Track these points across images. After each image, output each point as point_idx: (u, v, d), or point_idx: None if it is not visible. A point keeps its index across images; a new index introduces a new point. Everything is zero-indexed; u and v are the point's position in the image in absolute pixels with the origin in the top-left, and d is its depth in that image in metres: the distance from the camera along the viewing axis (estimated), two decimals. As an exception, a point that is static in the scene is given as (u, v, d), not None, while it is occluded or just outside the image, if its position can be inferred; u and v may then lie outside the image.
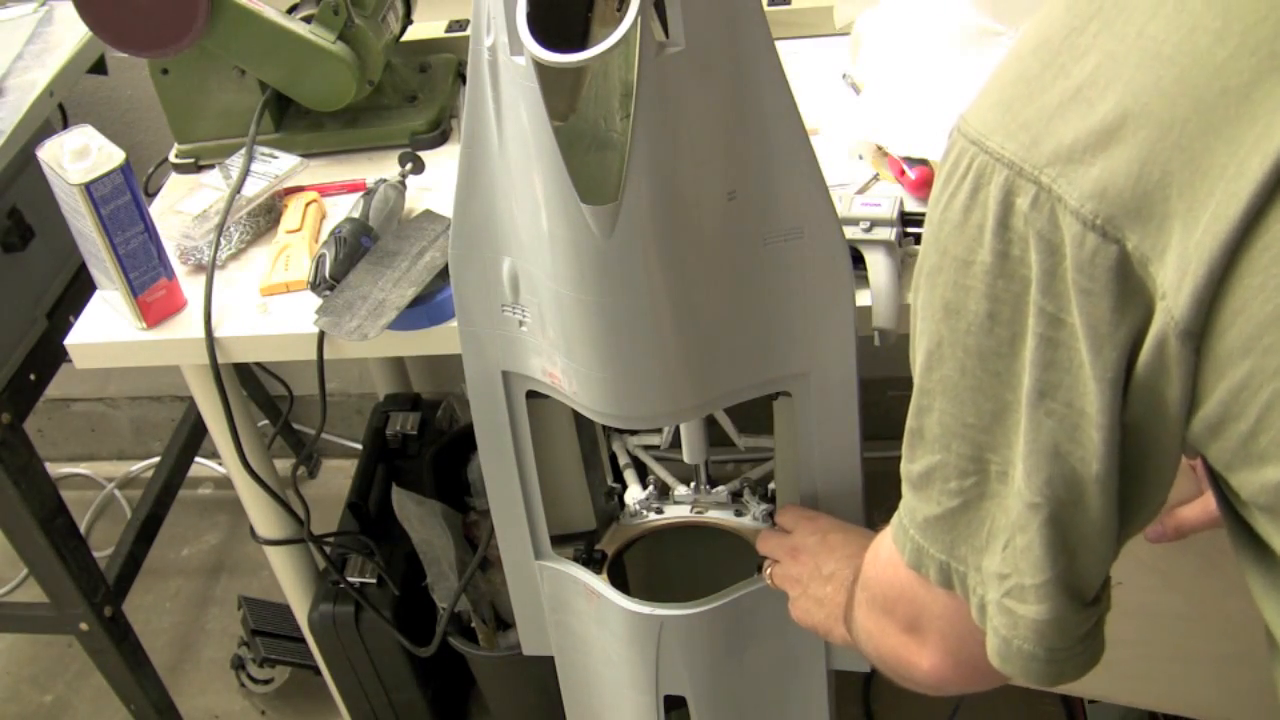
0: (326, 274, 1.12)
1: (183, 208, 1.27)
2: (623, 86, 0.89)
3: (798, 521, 1.07)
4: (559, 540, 1.17)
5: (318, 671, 1.64)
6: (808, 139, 0.86)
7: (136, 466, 2.31)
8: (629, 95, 0.82)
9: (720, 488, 1.24)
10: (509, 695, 1.63)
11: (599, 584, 1.14)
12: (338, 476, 2.21)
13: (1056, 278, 0.54)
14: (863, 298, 1.00)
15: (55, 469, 2.26)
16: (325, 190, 1.30)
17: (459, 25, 1.48)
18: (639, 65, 0.76)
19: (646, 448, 1.34)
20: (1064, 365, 0.56)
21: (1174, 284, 0.50)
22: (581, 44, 0.86)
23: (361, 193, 1.22)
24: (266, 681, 1.89)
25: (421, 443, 1.75)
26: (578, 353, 0.93)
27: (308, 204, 1.26)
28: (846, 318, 0.95)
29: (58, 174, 1.08)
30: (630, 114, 0.78)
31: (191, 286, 1.19)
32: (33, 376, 1.47)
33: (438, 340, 1.11)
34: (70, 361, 1.21)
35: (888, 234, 1.01)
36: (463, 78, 1.39)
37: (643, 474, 1.32)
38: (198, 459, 1.93)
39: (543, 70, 0.77)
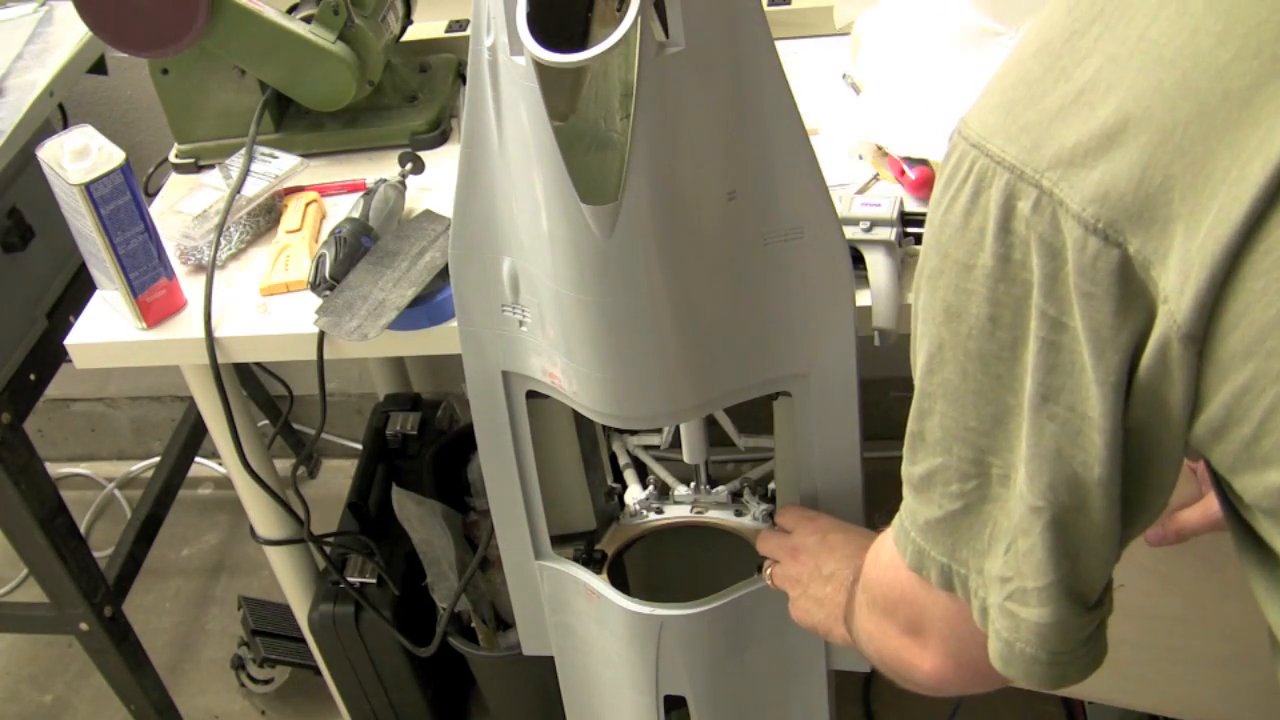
0: (326, 274, 1.12)
1: (183, 208, 1.27)
2: (623, 86, 0.89)
3: (798, 522, 1.07)
4: (559, 540, 1.17)
5: (318, 671, 1.64)
6: (808, 139, 0.86)
7: (136, 466, 2.31)
8: (629, 95, 0.82)
9: (720, 488, 1.24)
10: (509, 695, 1.63)
11: (599, 584, 1.14)
12: (338, 476, 2.21)
13: (1058, 281, 0.54)
14: (863, 298, 1.00)
15: (55, 469, 2.26)
16: (325, 190, 1.29)
17: (459, 25, 1.48)
18: (639, 65, 0.76)
19: (646, 448, 1.34)
20: (1066, 369, 0.55)
21: (1176, 288, 0.50)
22: (581, 44, 0.86)
23: (361, 193, 1.22)
24: (266, 681, 1.89)
25: (421, 443, 1.75)
26: (578, 353, 0.93)
27: (308, 204, 1.26)
28: (846, 318, 0.95)
29: (58, 174, 1.08)
30: (630, 114, 0.78)
31: (191, 286, 1.19)
32: (33, 376, 1.47)
33: (438, 340, 1.11)
34: (70, 361, 1.21)
35: (888, 234, 1.01)
36: (463, 78, 1.39)
37: (643, 474, 1.32)
38: (198, 459, 1.93)
39: (543, 70, 0.77)
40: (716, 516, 1.23)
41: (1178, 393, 0.53)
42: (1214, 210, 0.48)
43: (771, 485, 1.21)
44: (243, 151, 1.27)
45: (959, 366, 0.60)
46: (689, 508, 1.25)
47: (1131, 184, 0.50)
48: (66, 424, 2.31)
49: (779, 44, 0.82)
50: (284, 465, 1.63)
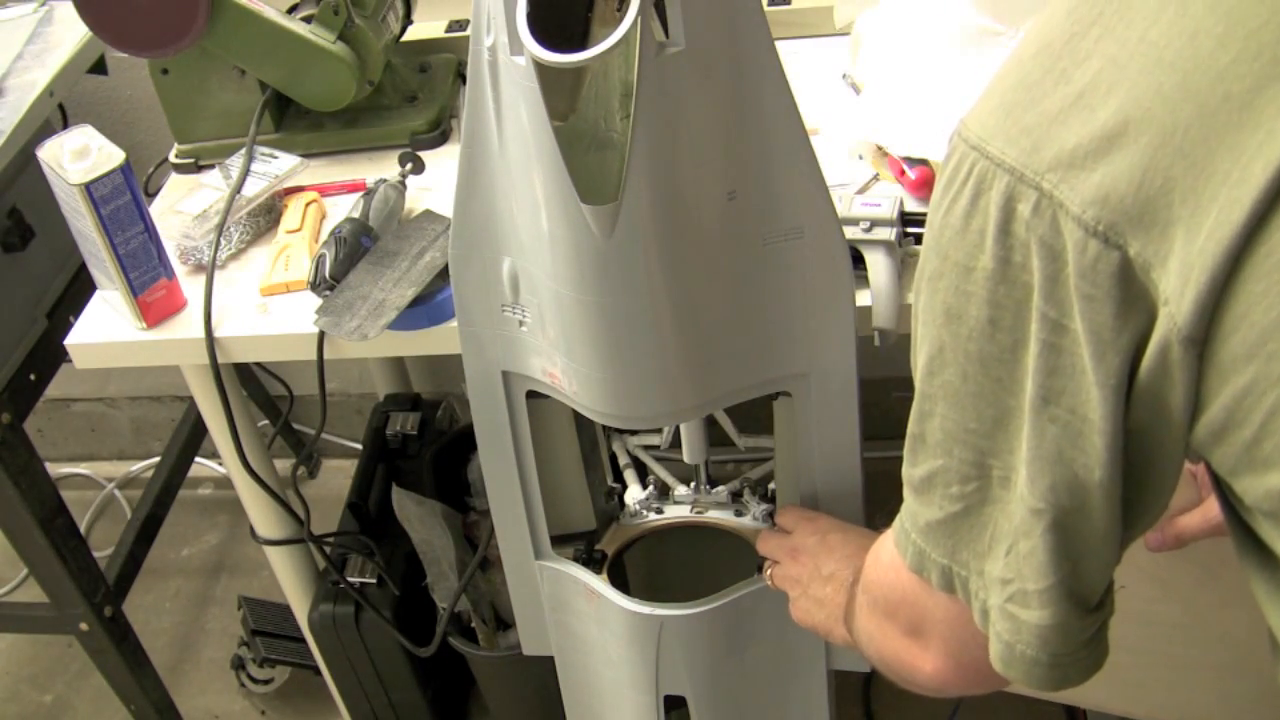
0: (326, 274, 1.12)
1: (183, 208, 1.27)
2: (623, 86, 0.89)
3: (797, 522, 1.07)
4: (559, 540, 1.17)
5: (318, 671, 1.64)
6: (808, 139, 0.86)
7: (136, 466, 2.31)
8: (629, 95, 0.82)
9: (720, 488, 1.24)
10: (509, 695, 1.63)
11: (599, 584, 1.14)
12: (338, 476, 2.21)
13: (1059, 284, 0.54)
14: (863, 298, 1.00)
15: (55, 469, 2.26)
16: (325, 190, 1.29)
17: (459, 25, 1.48)
18: (639, 65, 0.76)
19: (646, 448, 1.34)
20: (1067, 371, 0.55)
21: (1177, 290, 0.50)
22: (581, 44, 0.86)
23: (361, 193, 1.22)
24: (266, 681, 1.89)
25: (421, 443, 1.75)
26: (578, 353, 0.93)
27: (308, 204, 1.26)
28: (846, 318, 0.95)
29: (58, 174, 1.08)
30: (630, 114, 0.78)
31: (191, 286, 1.19)
32: (33, 376, 1.47)
33: (438, 340, 1.11)
34: (70, 361, 1.21)
35: (888, 234, 1.01)
36: (463, 78, 1.39)
37: (643, 474, 1.32)
38: (198, 459, 1.93)
39: (543, 70, 0.77)
40: (716, 516, 1.23)
41: (1178, 395, 0.53)
42: (1214, 213, 0.48)
43: (771, 485, 1.21)
44: (243, 151, 1.27)
45: (959, 369, 0.60)
46: (689, 508, 1.25)
47: (1132, 186, 0.50)
48: (66, 424, 2.31)
49: (779, 44, 0.82)
50: (284, 465, 1.63)
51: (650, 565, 1.30)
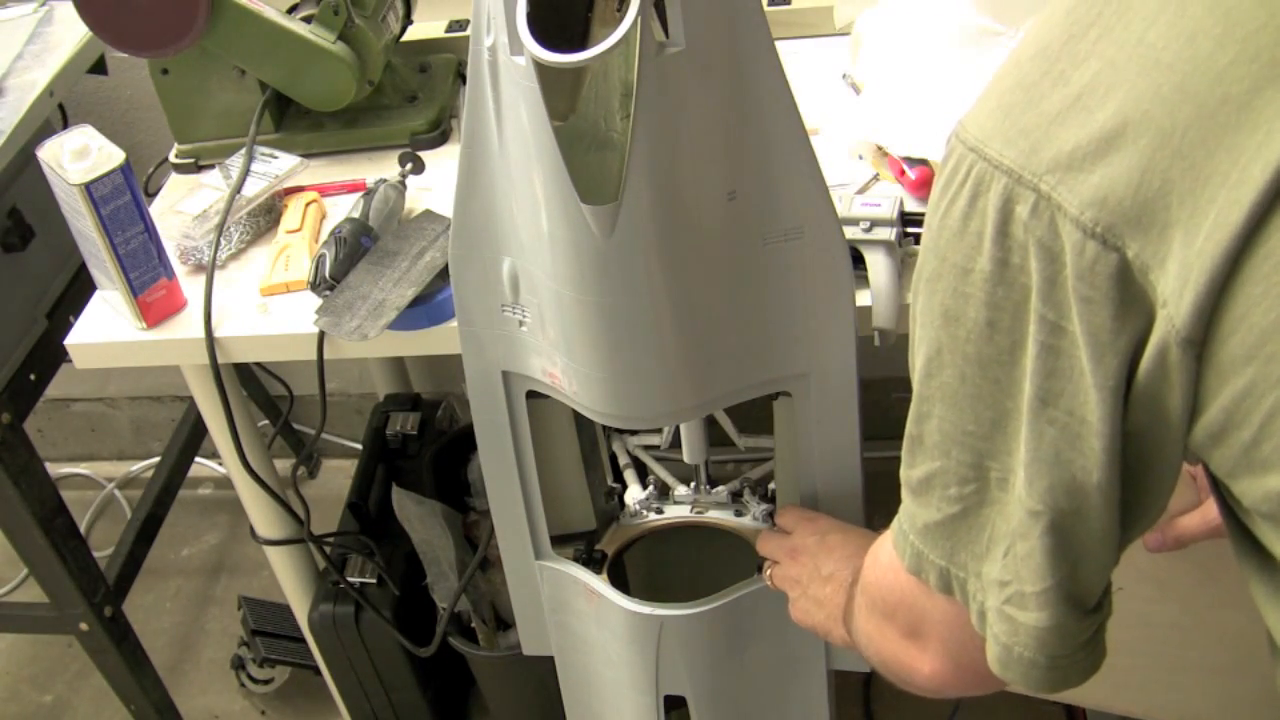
0: (326, 274, 1.12)
1: (183, 208, 1.27)
2: (623, 86, 0.89)
3: (797, 522, 1.07)
4: (559, 540, 1.17)
5: (318, 671, 1.64)
6: (808, 139, 0.86)
7: (136, 466, 2.31)
8: (629, 95, 0.82)
9: (720, 488, 1.24)
10: (509, 695, 1.63)
11: (599, 584, 1.14)
12: (338, 476, 2.21)
13: (1057, 286, 0.53)
14: (863, 298, 1.00)
15: (55, 469, 2.26)
16: (325, 190, 1.29)
17: (459, 25, 1.48)
18: (639, 65, 0.76)
19: (646, 448, 1.34)
20: (1065, 373, 0.55)
21: (1175, 292, 0.50)
22: (581, 44, 0.86)
23: (361, 193, 1.22)
24: (266, 681, 1.89)
25: (421, 443, 1.75)
26: (578, 353, 0.93)
27: (308, 204, 1.26)
28: (846, 318, 0.95)
29: (58, 174, 1.08)
30: (630, 114, 0.78)
31: (191, 286, 1.19)
32: (33, 376, 1.47)
33: (438, 340, 1.11)
34: (70, 361, 1.21)
35: (888, 234, 1.01)
36: (463, 78, 1.39)
37: (643, 474, 1.32)
38: (198, 459, 1.93)
39: (543, 70, 0.77)
40: (716, 516, 1.23)
41: (1177, 397, 0.53)
42: (1213, 214, 0.48)
43: (771, 485, 1.21)
44: (243, 151, 1.27)
45: (957, 370, 0.60)
46: (689, 508, 1.25)
47: (1130, 188, 0.50)
48: (66, 424, 2.31)
49: (779, 44, 0.82)
50: (284, 465, 1.63)
51: (650, 565, 1.30)
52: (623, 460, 1.33)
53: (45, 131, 1.35)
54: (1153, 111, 0.50)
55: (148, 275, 1.14)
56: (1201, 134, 0.48)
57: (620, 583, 1.18)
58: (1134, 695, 1.08)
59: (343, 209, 1.23)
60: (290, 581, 1.48)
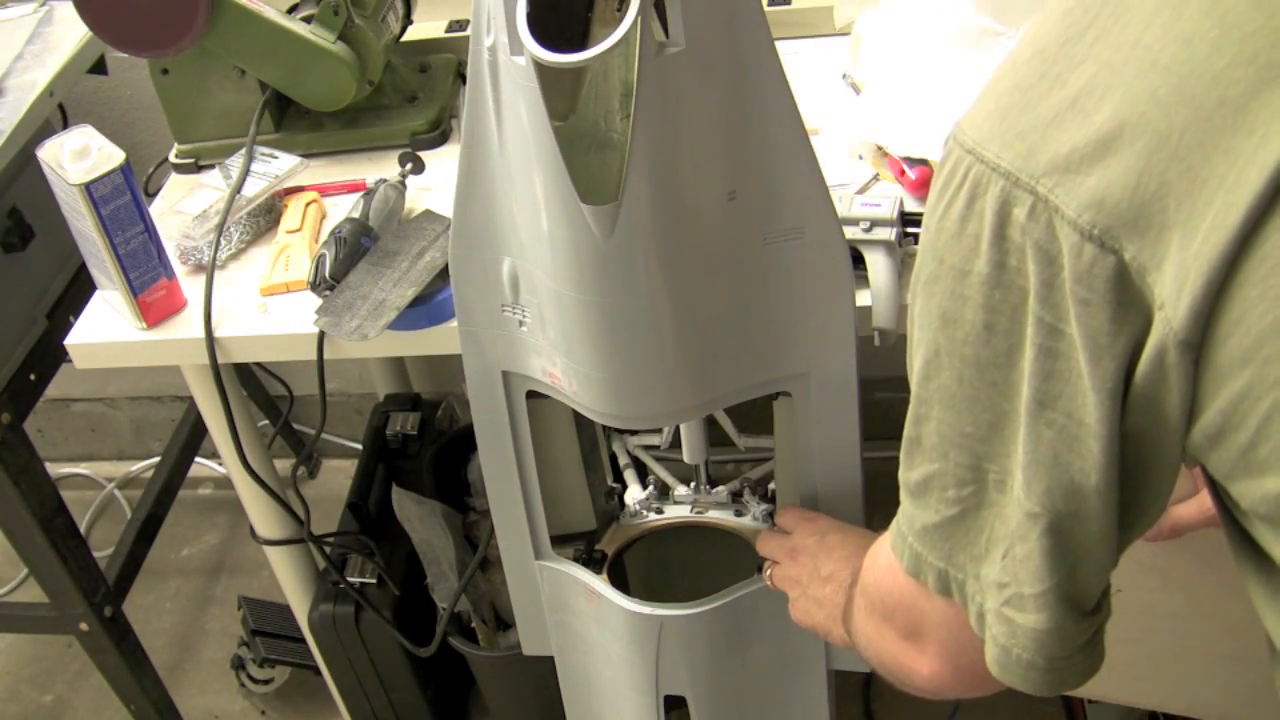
0: (326, 274, 1.12)
1: (183, 208, 1.27)
2: (623, 86, 0.89)
3: (797, 522, 1.07)
4: (559, 540, 1.17)
5: (318, 671, 1.64)
6: (808, 139, 0.86)
7: (136, 466, 2.31)
8: (629, 95, 0.82)
9: (720, 488, 1.24)
10: (509, 695, 1.63)
11: (599, 584, 1.14)
12: (338, 476, 2.21)
13: (1054, 288, 0.53)
14: (863, 298, 1.00)
15: (55, 469, 2.26)
16: (325, 190, 1.29)
17: (459, 25, 1.48)
18: (639, 65, 0.76)
19: (646, 448, 1.34)
20: (1063, 376, 0.55)
21: (1172, 294, 0.50)
22: (581, 44, 0.86)
23: (361, 193, 1.22)
24: (266, 681, 1.89)
25: (421, 443, 1.75)
26: (578, 353, 0.93)
27: (308, 204, 1.26)
28: (846, 318, 0.95)
29: (58, 174, 1.08)
30: (630, 114, 0.78)
31: (191, 286, 1.19)
32: (33, 376, 1.47)
33: (438, 340, 1.11)
34: (70, 361, 1.21)
35: (888, 234, 1.01)
36: (463, 78, 1.39)
37: (643, 474, 1.32)
38: (198, 459, 1.93)
39: (543, 70, 0.77)
40: (716, 516, 1.23)
41: (1174, 399, 0.53)
42: (1210, 217, 0.48)
43: (771, 485, 1.21)
44: (243, 151, 1.27)
45: (955, 372, 0.60)
46: (689, 508, 1.25)
47: (1127, 190, 0.50)
48: (66, 424, 2.31)
49: (779, 44, 0.82)
50: (284, 465, 1.63)
51: (650, 565, 1.30)
52: (623, 460, 1.33)
53: (45, 131, 1.35)
54: (1149, 114, 0.50)
55: (148, 275, 1.14)
56: (1198, 136, 0.48)
57: (620, 583, 1.18)
58: (1138, 686, 1.08)
59: (343, 209, 1.23)
60: (290, 581, 1.48)
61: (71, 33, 1.52)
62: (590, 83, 0.89)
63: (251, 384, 1.95)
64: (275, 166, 1.26)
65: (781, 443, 1.12)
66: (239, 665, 1.87)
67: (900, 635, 0.75)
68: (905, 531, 0.69)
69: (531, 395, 1.05)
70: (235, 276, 1.21)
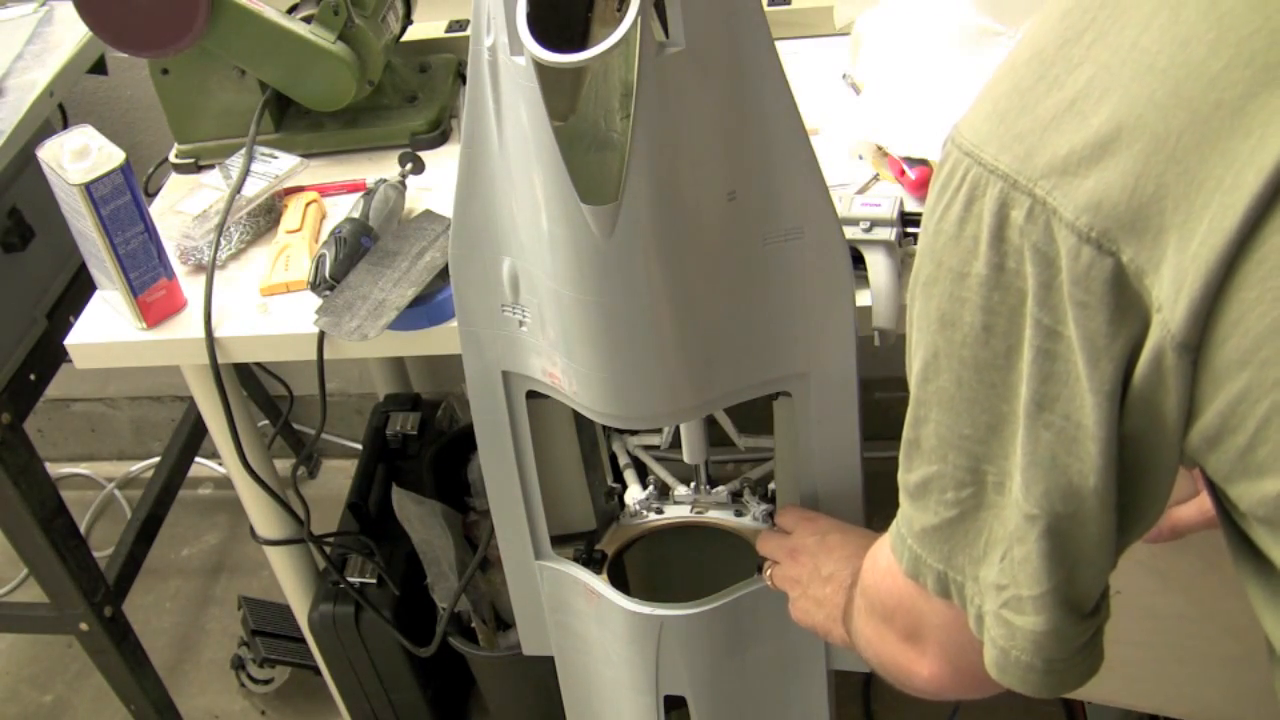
0: (326, 274, 1.12)
1: (183, 208, 1.27)
2: (623, 86, 0.89)
3: (797, 522, 1.07)
4: (559, 540, 1.17)
5: (318, 671, 1.64)
6: (808, 139, 0.86)
7: (136, 466, 2.31)
8: (629, 95, 0.82)
9: (720, 488, 1.24)
10: (509, 695, 1.63)
11: (599, 584, 1.14)
12: (338, 476, 2.21)
13: (1052, 290, 0.53)
14: (863, 298, 1.00)
15: (55, 469, 2.26)
16: (325, 190, 1.29)
17: (459, 25, 1.48)
18: (639, 65, 0.76)
19: (646, 448, 1.34)
20: (1061, 378, 0.55)
21: (1170, 297, 0.50)
22: (581, 44, 0.86)
23: (361, 193, 1.22)
24: (266, 681, 1.89)
25: (421, 443, 1.75)
26: (578, 353, 0.93)
27: (308, 204, 1.26)
28: (846, 318, 0.95)
29: (58, 174, 1.08)
30: (630, 114, 0.78)
31: (191, 286, 1.19)
32: (33, 376, 1.47)
33: (438, 340, 1.11)
34: (70, 361, 1.21)
35: (888, 234, 1.01)
36: (463, 78, 1.39)
37: (643, 474, 1.32)
38: (198, 459, 1.93)
39: (543, 70, 0.77)
40: (716, 516, 1.23)
41: (1172, 401, 0.52)
42: (1207, 219, 0.48)
43: (771, 485, 1.21)
44: (243, 151, 1.27)
45: (954, 374, 0.60)
46: (689, 508, 1.25)
47: (1125, 193, 0.50)
48: (66, 424, 2.31)
49: (779, 44, 0.82)
50: (284, 465, 1.63)
51: (650, 565, 1.30)
52: (623, 460, 1.33)
53: (45, 131, 1.35)
54: (1147, 116, 0.50)
55: (148, 275, 1.14)
56: (1195, 139, 0.48)
57: (620, 583, 1.18)
58: (1138, 688, 1.08)
59: (343, 209, 1.23)
60: (290, 581, 1.48)
61: (71, 33, 1.52)
62: (590, 83, 0.89)
63: (251, 384, 1.95)
64: (275, 166, 1.26)
65: (781, 443, 1.12)
66: (239, 665, 1.88)
67: (900, 637, 0.75)
68: (904, 533, 0.69)
69: (531, 395, 1.05)
70: (235, 276, 1.21)
